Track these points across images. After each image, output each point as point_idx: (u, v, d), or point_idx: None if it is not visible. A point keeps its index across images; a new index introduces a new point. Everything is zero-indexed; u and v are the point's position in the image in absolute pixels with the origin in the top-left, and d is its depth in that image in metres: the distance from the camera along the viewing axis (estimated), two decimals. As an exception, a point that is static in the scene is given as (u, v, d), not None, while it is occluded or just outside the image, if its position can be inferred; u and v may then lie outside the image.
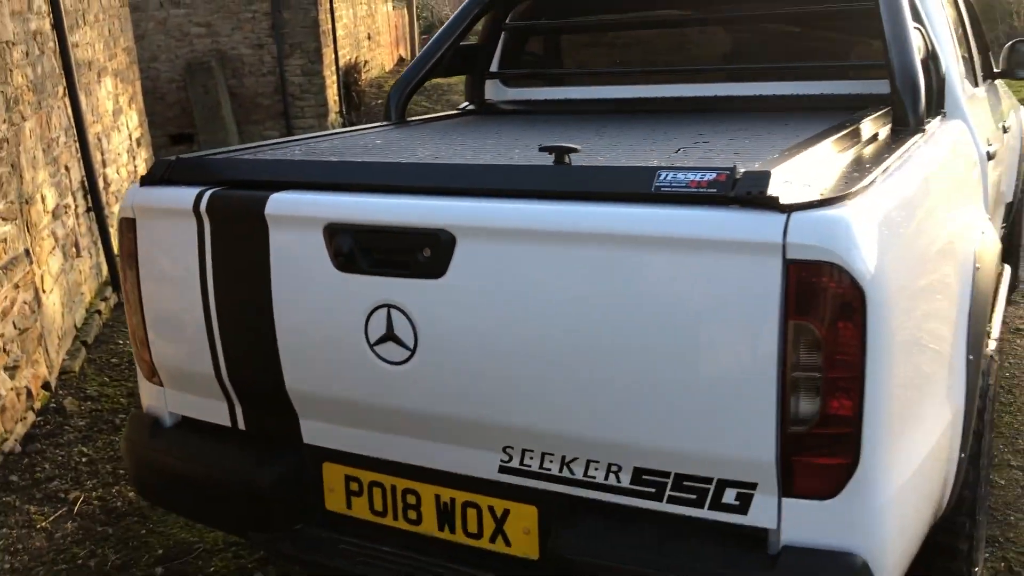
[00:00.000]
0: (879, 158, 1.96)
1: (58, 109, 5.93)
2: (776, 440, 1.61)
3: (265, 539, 2.19)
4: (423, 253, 1.82)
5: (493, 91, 3.63)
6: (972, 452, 2.31)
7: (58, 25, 6.17)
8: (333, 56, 14.05)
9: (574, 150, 1.81)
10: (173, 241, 2.15)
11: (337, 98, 13.94)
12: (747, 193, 1.57)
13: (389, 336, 1.90)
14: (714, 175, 1.61)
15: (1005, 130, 3.82)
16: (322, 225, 1.92)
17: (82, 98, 6.77)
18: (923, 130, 2.41)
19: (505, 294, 1.78)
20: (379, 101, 14.46)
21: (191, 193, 2.10)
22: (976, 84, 3.63)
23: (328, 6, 13.88)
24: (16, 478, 3.80)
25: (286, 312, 2.02)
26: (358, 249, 1.89)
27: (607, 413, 1.74)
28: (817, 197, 1.59)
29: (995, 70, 4.46)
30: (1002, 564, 2.95)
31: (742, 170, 1.60)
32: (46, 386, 4.71)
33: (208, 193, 2.08)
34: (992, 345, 2.51)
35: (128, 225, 2.24)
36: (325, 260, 1.93)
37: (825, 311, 1.55)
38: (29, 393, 4.44)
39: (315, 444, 2.14)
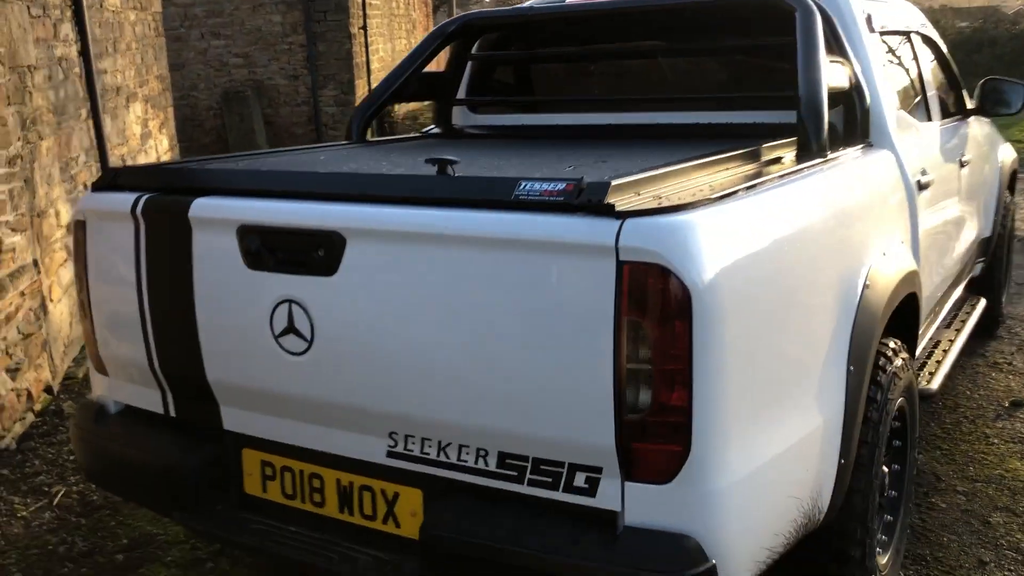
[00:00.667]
0: (752, 178, 2.10)
1: (80, 130, 6.26)
2: (615, 427, 1.76)
3: (186, 518, 2.37)
4: (318, 252, 2.00)
5: (460, 117, 3.83)
6: (863, 461, 2.42)
7: (85, 52, 6.52)
8: (366, 88, 14.43)
9: (455, 162, 1.99)
10: (115, 242, 2.36)
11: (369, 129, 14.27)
12: (588, 201, 1.73)
13: (290, 329, 2.08)
14: (563, 185, 1.77)
15: (962, 164, 3.92)
16: (235, 227, 2.12)
17: (107, 121, 7.12)
18: (825, 156, 2.55)
19: (388, 291, 1.96)
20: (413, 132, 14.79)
21: (130, 198, 2.31)
22: (929, 118, 3.74)
23: (363, 40, 14.29)
24: (7, 472, 4.04)
25: (205, 307, 2.21)
26: (264, 248, 2.09)
27: (472, 401, 1.90)
28: (652, 206, 1.74)
29: (968, 107, 4.57)
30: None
31: (587, 181, 1.76)
32: (48, 390, 4.97)
33: (144, 198, 2.29)
34: (898, 363, 2.62)
35: (79, 227, 2.46)
36: (237, 259, 2.12)
37: (654, 309, 1.70)
38: (29, 395, 4.70)
39: (235, 431, 2.32)
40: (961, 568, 3.10)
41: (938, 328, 4.17)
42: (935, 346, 3.98)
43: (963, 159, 3.96)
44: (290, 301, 2.06)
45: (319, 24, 13.74)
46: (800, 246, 2.13)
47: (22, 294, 4.73)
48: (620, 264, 1.70)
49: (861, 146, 2.93)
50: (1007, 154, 5.17)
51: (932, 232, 3.37)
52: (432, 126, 3.77)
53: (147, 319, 2.33)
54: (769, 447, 1.95)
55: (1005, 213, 5.10)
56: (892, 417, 2.61)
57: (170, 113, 9.80)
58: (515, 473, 1.91)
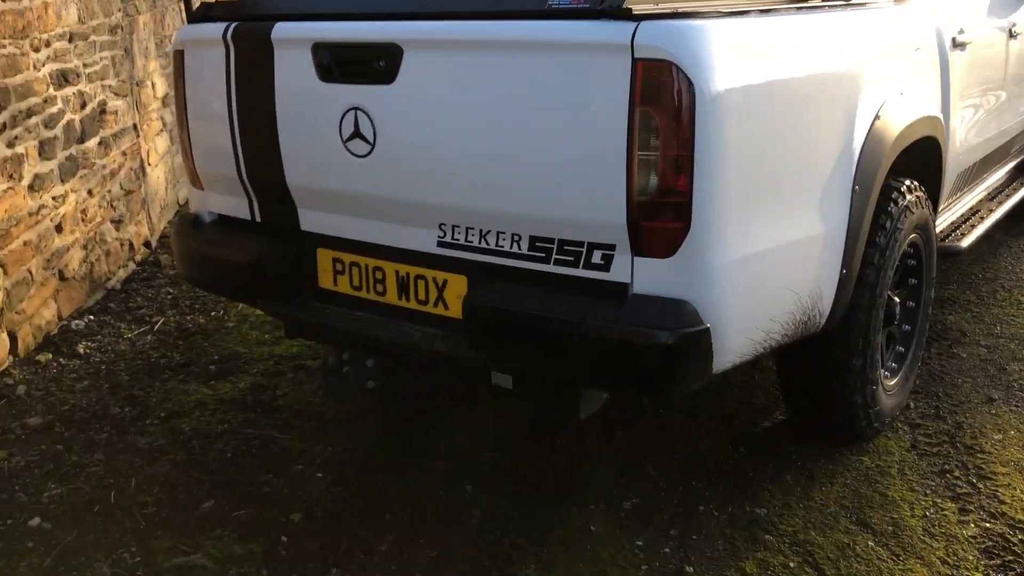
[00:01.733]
0: (770, 3, 2.32)
1: (172, 11, 6.65)
2: (626, 207, 2.06)
3: (268, 304, 2.76)
4: (380, 63, 2.32)
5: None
6: (868, 280, 2.68)
7: (177, -64, 6.85)
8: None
9: None
10: (209, 66, 2.71)
11: None
12: (609, 7, 2.00)
13: (356, 134, 2.41)
14: (593, -7, 2.04)
15: (1012, 35, 4.00)
16: (310, 44, 2.44)
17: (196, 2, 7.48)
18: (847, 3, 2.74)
19: (439, 96, 2.27)
20: None
21: (222, 26, 2.65)
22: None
23: None
24: (114, 305, 4.54)
25: (285, 118, 2.56)
26: (335, 62, 2.41)
27: (508, 190, 2.21)
28: (666, 11, 2.00)
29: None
30: (932, 410, 3.28)
31: None
32: (147, 244, 5.47)
33: (233, 25, 2.63)
34: (910, 198, 2.84)
35: (178, 56, 2.82)
36: (312, 73, 2.45)
37: (663, 102, 1.97)
38: (131, 246, 5.20)
39: (311, 231, 2.68)
40: (969, 403, 3.34)
41: (983, 199, 4.32)
42: (975, 213, 4.14)
43: (1013, 29, 4.04)
44: (356, 108, 2.39)
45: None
46: (809, 67, 2.35)
47: (124, 154, 5.20)
48: (635, 61, 1.97)
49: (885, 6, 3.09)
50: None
51: (969, 92, 3.51)
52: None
53: (236, 133, 2.69)
54: (768, 239, 2.22)
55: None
56: (902, 247, 2.84)
57: None
58: (543, 254, 2.23)
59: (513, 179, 2.20)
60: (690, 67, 1.96)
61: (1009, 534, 2.61)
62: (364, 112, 2.38)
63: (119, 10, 5.28)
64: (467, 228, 2.34)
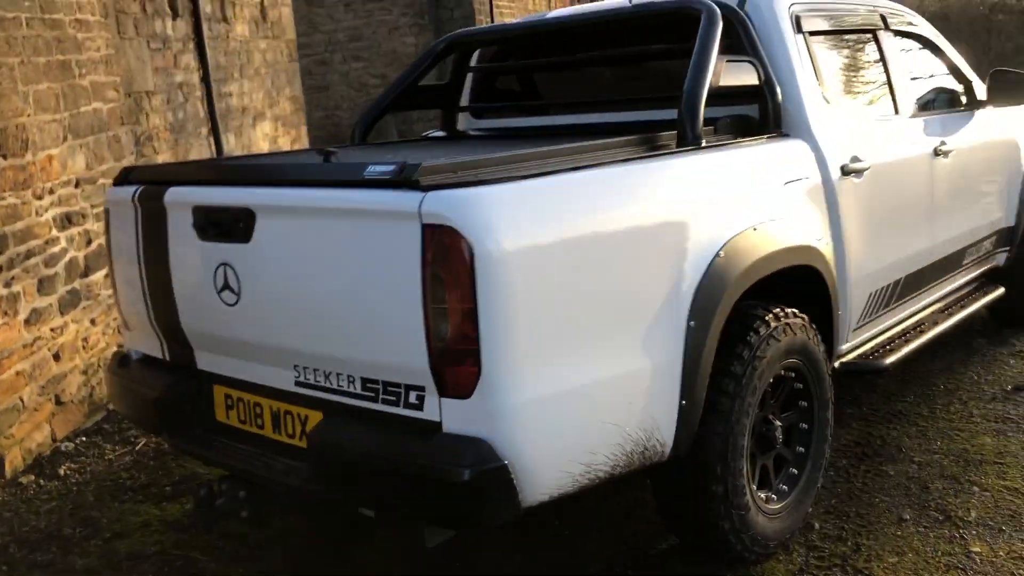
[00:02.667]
0: (580, 161, 2.54)
1: (199, 146, 7.23)
2: (427, 353, 2.26)
3: (170, 438, 3.03)
4: (239, 225, 2.61)
5: (465, 122, 4.38)
6: (723, 408, 2.80)
7: (206, 79, 7.50)
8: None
9: (334, 152, 2.55)
10: (124, 223, 3.06)
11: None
12: (405, 178, 2.25)
13: (226, 286, 2.70)
14: (393, 167, 2.30)
15: (938, 153, 4.11)
16: (191, 207, 2.76)
17: (231, 138, 8.11)
18: (700, 144, 2.94)
19: (284, 254, 2.55)
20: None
21: (132, 189, 3.01)
22: (896, 112, 3.98)
23: (491, 56, 15.03)
24: (108, 427, 4.90)
25: (177, 271, 2.87)
26: (208, 223, 2.72)
27: (339, 337, 2.45)
28: (451, 181, 2.24)
29: (979, 99, 4.71)
30: (837, 531, 3.31)
31: (408, 163, 2.28)
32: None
33: (140, 188, 2.98)
34: (776, 327, 2.95)
35: (106, 214, 3.18)
36: (193, 233, 2.76)
37: (447, 262, 2.20)
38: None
39: (205, 369, 2.96)
40: (878, 523, 3.35)
41: (939, 310, 4.36)
42: (917, 327, 4.18)
43: (942, 149, 4.14)
44: (225, 264, 2.68)
45: (449, 43, 14.58)
46: (612, 219, 2.50)
47: (133, 283, 5.64)
48: (423, 227, 2.21)
49: (768, 136, 3.27)
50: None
51: (872, 215, 3.63)
52: (435, 131, 4.35)
53: (145, 282, 3.01)
54: (575, 378, 2.38)
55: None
56: (769, 373, 2.94)
57: (303, 131, 10.82)
58: (373, 394, 2.45)
59: (341, 328, 2.45)
60: (469, 230, 2.18)
61: (866, 663, 2.62)
62: (231, 267, 2.67)
63: (132, 153, 5.81)
64: (314, 369, 2.58)
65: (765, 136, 3.27)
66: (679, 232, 2.67)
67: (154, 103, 6.40)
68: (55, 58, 4.87)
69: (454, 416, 2.30)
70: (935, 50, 4.59)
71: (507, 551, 3.28)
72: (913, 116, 4.09)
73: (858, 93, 3.87)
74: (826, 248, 3.29)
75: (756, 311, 2.99)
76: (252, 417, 2.85)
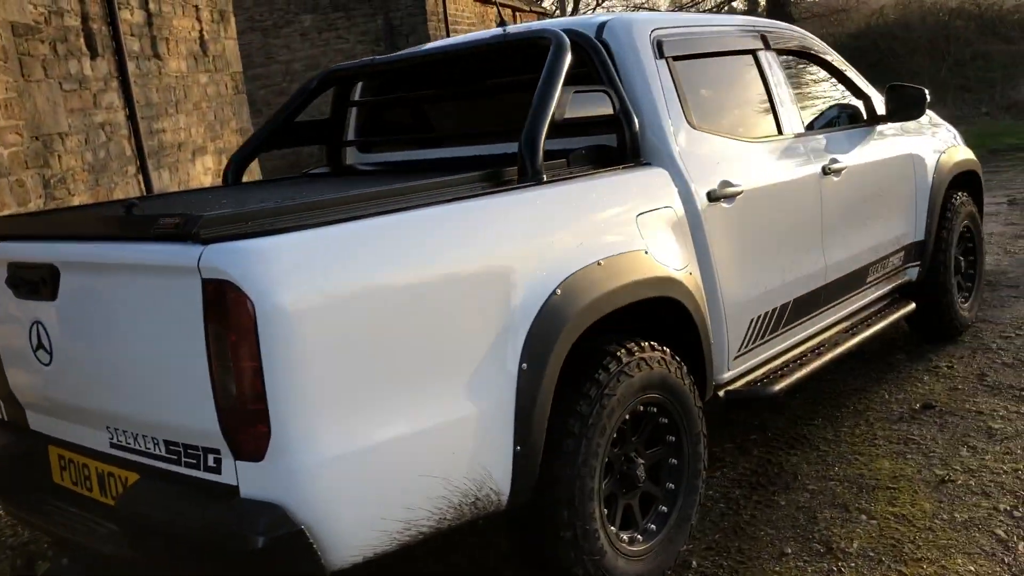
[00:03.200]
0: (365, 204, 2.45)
1: (124, 183, 7.15)
2: (217, 415, 2.17)
3: (4, 501, 2.93)
4: (45, 281, 2.52)
5: (353, 157, 4.30)
6: (567, 450, 2.71)
7: (132, 117, 7.43)
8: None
9: (136, 204, 2.46)
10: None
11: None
12: (186, 231, 2.16)
13: (39, 345, 2.60)
14: (176, 219, 2.21)
15: (827, 171, 4.03)
16: (6, 264, 2.67)
17: (164, 174, 8.04)
18: (541, 179, 2.86)
19: (87, 311, 2.45)
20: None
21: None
22: (780, 132, 3.91)
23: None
24: None
25: (1, 329, 2.77)
26: (20, 280, 2.62)
27: (135, 398, 2.36)
28: (232, 233, 2.15)
29: (879, 115, 4.65)
30: (715, 569, 3.21)
31: (192, 214, 2.19)
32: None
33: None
34: (629, 362, 2.86)
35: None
36: (8, 290, 2.67)
37: (228, 319, 2.10)
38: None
39: (38, 430, 2.86)
40: (759, 558, 3.25)
41: (843, 330, 4.27)
42: (816, 350, 4.09)
43: (833, 167, 4.07)
44: (37, 322, 2.59)
45: (405, 68, 14.56)
46: (424, 266, 2.41)
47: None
48: (203, 282, 2.12)
49: (625, 166, 3.19)
50: (951, 156, 5.14)
51: (749, 240, 3.55)
52: (320, 167, 4.27)
53: (-24, 342, 2.91)
54: (381, 432, 2.28)
55: (951, 215, 5.06)
56: (621, 410, 2.85)
57: (253, 164, 10.74)
58: (175, 457, 2.35)
59: (140, 389, 2.35)
60: (249, 285, 2.09)
61: None
62: (42, 325, 2.57)
63: (40, 196, 5.72)
64: (123, 431, 2.48)
65: (621, 166, 3.19)
66: (504, 273, 2.58)
67: (68, 144, 6.32)
68: (-58, 106, 4.80)
69: (250, 480, 2.20)
70: (829, 68, 4.53)
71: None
72: (799, 136, 4.01)
73: (732, 116, 3.80)
74: (690, 278, 3.21)
75: (608, 347, 2.90)
76: (82, 479, 2.74)
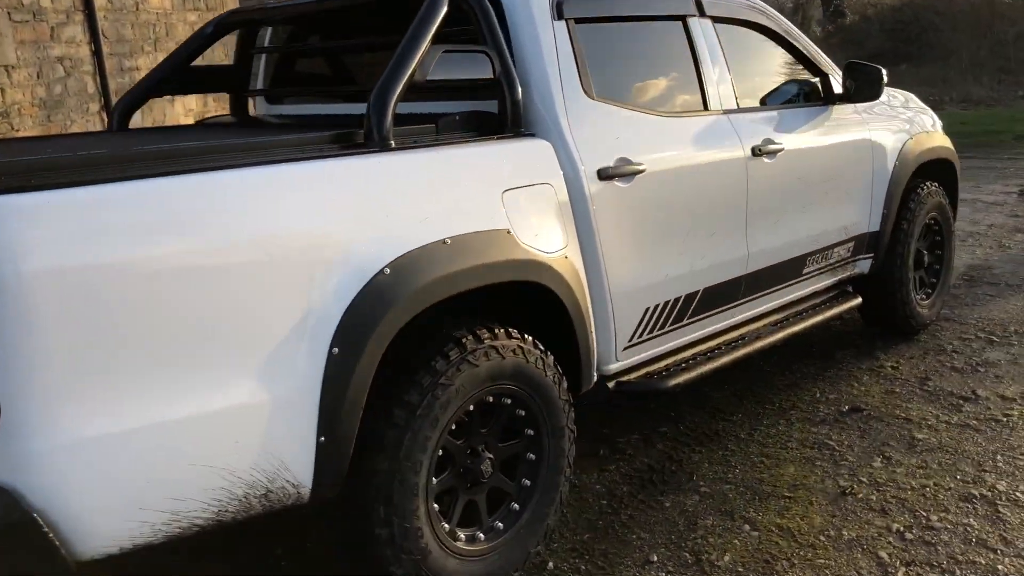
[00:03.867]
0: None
1: (83, 121, 6.98)
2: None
3: None
4: None
5: (262, 107, 4.08)
6: (388, 443, 2.50)
7: (98, 52, 7.24)
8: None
9: None
10: None
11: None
12: None
13: None
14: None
15: (759, 153, 3.74)
16: None
17: (136, 114, 7.84)
18: (388, 145, 2.62)
19: None
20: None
21: None
22: (706, 107, 3.62)
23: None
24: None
25: None
26: None
27: None
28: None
29: (835, 94, 4.33)
30: (575, 574, 3.01)
31: None
32: None
33: None
34: (474, 350, 2.65)
35: None
36: None
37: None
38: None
39: None
40: (621, 564, 3.05)
41: (776, 322, 4.02)
42: (735, 342, 3.85)
43: (768, 148, 3.77)
44: None
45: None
46: (207, 233, 2.18)
47: None
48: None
49: (501, 136, 2.94)
50: (920, 143, 4.80)
51: (649, 223, 3.29)
52: (218, 115, 4.05)
53: None
54: (143, 415, 2.09)
55: (914, 206, 4.75)
56: (454, 404, 2.63)
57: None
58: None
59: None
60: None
61: None
62: None
63: (-25, 130, 5.57)
64: None
65: (496, 136, 2.94)
66: (314, 248, 2.35)
67: (16, 78, 6.14)
68: None
69: (-12, 459, 2.01)
70: (781, 41, 4.20)
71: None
72: (730, 113, 3.71)
73: (645, 88, 3.51)
74: (565, 262, 2.96)
75: (454, 332, 2.68)
76: None
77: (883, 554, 3.02)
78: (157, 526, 2.15)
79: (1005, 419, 3.98)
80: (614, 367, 3.32)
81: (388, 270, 2.46)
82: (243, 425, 2.25)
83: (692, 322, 3.62)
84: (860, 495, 3.40)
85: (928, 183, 4.92)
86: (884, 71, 4.28)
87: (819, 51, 4.37)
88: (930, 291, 5.15)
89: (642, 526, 3.26)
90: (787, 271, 4.07)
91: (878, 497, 3.38)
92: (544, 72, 3.05)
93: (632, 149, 3.23)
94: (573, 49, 3.15)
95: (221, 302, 2.20)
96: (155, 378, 2.11)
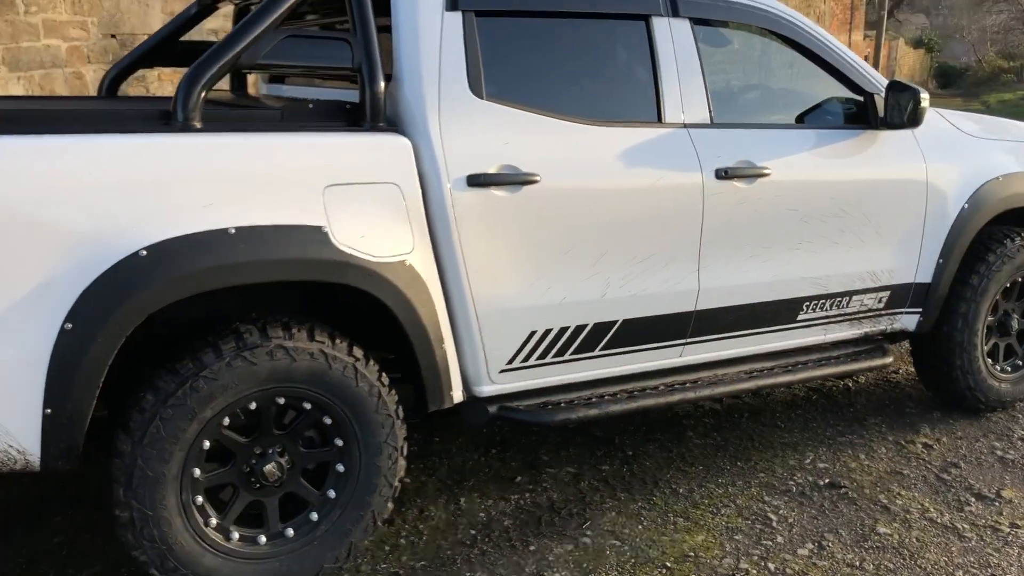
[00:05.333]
0: None
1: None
2: None
3: None
4: None
5: (262, 87, 4.15)
6: (133, 426, 2.49)
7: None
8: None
9: None
10: None
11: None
12: None
13: None
14: None
15: (726, 175, 3.29)
16: None
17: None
18: (190, 126, 2.57)
19: None
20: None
21: None
22: (660, 119, 3.23)
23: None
24: None
25: None
26: None
27: None
28: None
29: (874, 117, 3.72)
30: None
31: None
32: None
33: None
34: (227, 349, 2.55)
35: None
36: None
37: None
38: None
39: None
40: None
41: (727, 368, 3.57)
42: (688, 383, 3.44)
43: (738, 171, 3.31)
44: None
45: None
46: None
47: None
48: None
49: (346, 128, 2.80)
50: (1006, 186, 4.02)
51: (543, 240, 3.00)
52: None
53: None
54: None
55: (992, 259, 4.00)
56: (221, 400, 2.54)
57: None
58: None
59: None
60: None
61: None
62: None
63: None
64: None
65: (339, 127, 2.80)
66: (62, 220, 2.34)
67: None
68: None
69: None
70: (803, 50, 3.64)
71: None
72: (693, 127, 3.28)
73: (568, 91, 3.16)
74: (404, 268, 2.76)
75: (239, 326, 2.60)
76: None
77: (711, 656, 2.58)
78: None
79: (1009, 531, 3.25)
80: (489, 389, 3.07)
81: (145, 252, 2.41)
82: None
83: (609, 354, 3.26)
84: (748, 584, 2.92)
85: (1020, 234, 4.12)
86: (924, 94, 3.59)
87: (859, 64, 3.74)
88: (1020, 363, 4.31)
89: (485, 567, 3.00)
90: (770, 314, 3.55)
91: (768, 590, 2.89)
92: (417, 65, 2.85)
93: (525, 157, 2.95)
94: (465, 43, 2.92)
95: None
96: None
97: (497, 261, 2.94)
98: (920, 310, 3.95)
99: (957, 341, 4.04)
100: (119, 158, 2.46)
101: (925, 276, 3.90)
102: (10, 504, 3.31)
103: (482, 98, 2.92)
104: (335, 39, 2.83)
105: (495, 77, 2.97)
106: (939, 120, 3.97)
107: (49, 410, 2.37)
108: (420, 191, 2.81)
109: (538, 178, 2.95)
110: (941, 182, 3.85)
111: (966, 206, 3.91)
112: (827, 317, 3.73)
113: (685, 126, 3.28)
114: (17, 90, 5.43)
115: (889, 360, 3.89)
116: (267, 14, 2.71)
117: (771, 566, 3.01)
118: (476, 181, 2.87)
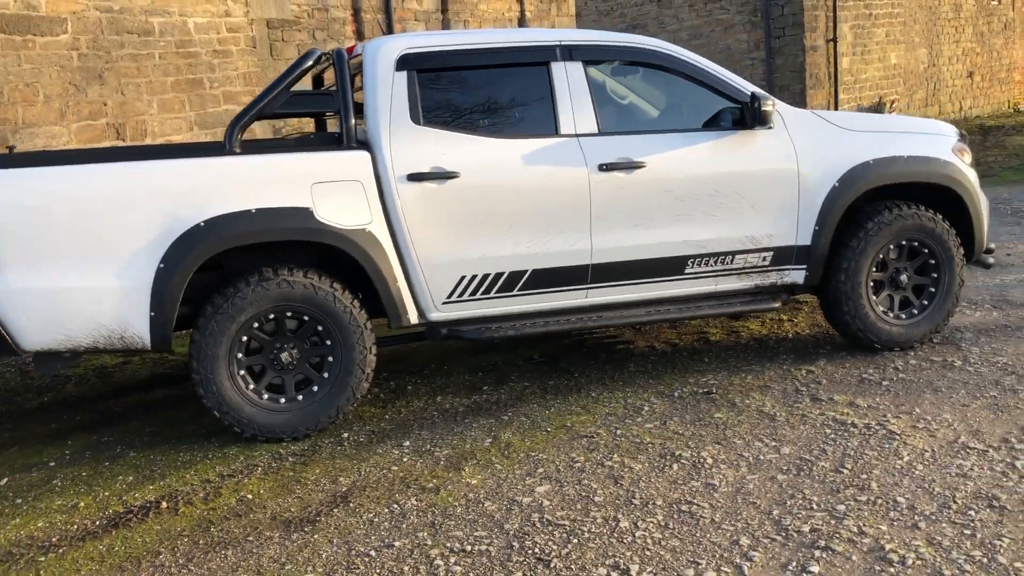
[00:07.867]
0: None
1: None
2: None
3: None
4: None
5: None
6: (202, 326, 4.33)
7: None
8: (829, 96, 15.14)
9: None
10: None
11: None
12: None
13: None
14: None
15: (608, 168, 4.72)
16: None
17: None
18: (234, 151, 4.41)
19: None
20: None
21: None
22: (557, 132, 4.74)
23: (830, 51, 15.04)
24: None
25: None
26: None
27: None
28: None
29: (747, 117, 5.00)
30: (346, 433, 4.49)
31: None
32: None
33: None
34: (267, 278, 4.34)
35: None
36: None
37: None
38: None
39: None
40: (382, 443, 4.44)
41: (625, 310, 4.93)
42: (593, 314, 4.87)
43: (618, 164, 4.71)
44: None
45: (777, 40, 14.97)
46: (97, 188, 4.19)
47: None
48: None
49: (328, 148, 4.56)
50: (880, 168, 5.09)
51: (463, 215, 4.58)
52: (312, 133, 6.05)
53: None
54: (45, 280, 4.17)
55: (871, 225, 5.09)
56: (250, 311, 4.32)
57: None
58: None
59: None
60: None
61: None
62: None
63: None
64: None
65: (327, 148, 4.55)
66: (158, 208, 4.22)
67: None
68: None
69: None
70: (685, 76, 4.96)
71: None
72: (583, 136, 4.73)
73: (481, 117, 4.71)
74: (365, 234, 4.43)
75: (261, 268, 4.38)
76: None
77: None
78: (61, 340, 4.22)
79: (817, 418, 4.39)
80: (436, 316, 4.67)
81: (203, 223, 4.26)
82: (105, 297, 4.23)
83: (525, 294, 4.76)
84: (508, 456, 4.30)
85: (903, 205, 5.15)
86: (769, 100, 4.81)
87: (734, 81, 5.01)
88: (915, 312, 5.29)
89: (426, 428, 4.57)
90: (658, 268, 4.88)
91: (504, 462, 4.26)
92: (376, 106, 4.55)
93: (451, 161, 4.56)
94: (408, 90, 4.59)
95: (103, 228, 4.20)
96: (62, 263, 4.18)
97: (432, 230, 4.55)
98: (805, 267, 5.11)
99: (843, 292, 5.14)
100: (192, 170, 4.35)
101: (805, 240, 5.06)
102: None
103: (420, 125, 4.58)
104: (323, 95, 4.58)
105: (428, 111, 4.61)
106: (813, 118, 5.13)
107: (153, 314, 4.25)
108: (376, 185, 4.49)
109: (459, 175, 4.54)
110: (810, 166, 5.02)
111: (836, 184, 5.04)
112: (714, 271, 5.00)
113: (576, 135, 4.75)
114: (206, 143, 7.66)
115: (776, 305, 5.07)
116: (284, 79, 4.52)
117: (619, 431, 4.37)
118: (414, 177, 4.51)
